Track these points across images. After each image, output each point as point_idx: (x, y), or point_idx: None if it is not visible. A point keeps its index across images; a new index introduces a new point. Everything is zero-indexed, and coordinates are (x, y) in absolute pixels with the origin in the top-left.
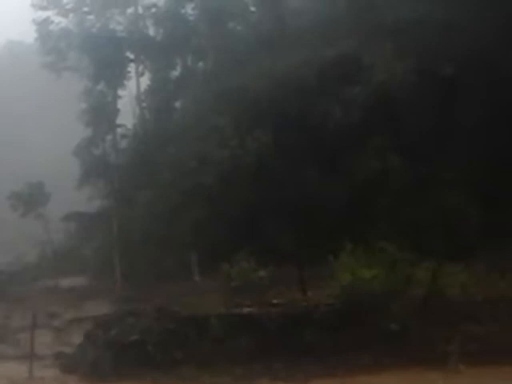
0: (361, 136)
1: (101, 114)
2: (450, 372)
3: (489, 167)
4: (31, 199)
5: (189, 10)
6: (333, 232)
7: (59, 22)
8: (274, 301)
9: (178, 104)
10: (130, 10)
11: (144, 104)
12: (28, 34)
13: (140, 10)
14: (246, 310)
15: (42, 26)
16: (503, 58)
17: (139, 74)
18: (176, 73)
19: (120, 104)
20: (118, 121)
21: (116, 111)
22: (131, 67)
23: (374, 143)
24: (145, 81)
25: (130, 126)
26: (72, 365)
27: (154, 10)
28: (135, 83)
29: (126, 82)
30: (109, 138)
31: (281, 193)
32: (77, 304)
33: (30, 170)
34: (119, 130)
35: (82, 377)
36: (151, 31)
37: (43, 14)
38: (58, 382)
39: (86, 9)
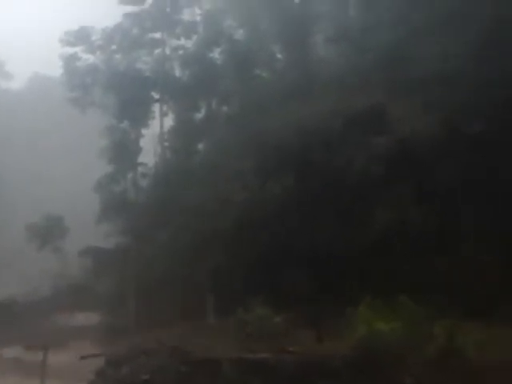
0: (382, 186)
1: (123, 151)
2: None
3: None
4: (49, 232)
5: (216, 54)
6: (351, 281)
7: (86, 58)
8: (289, 348)
9: (200, 146)
10: (157, 51)
11: (166, 144)
12: (54, 68)
13: (167, 51)
14: (259, 355)
15: (69, 61)
16: None
17: (163, 114)
18: (200, 115)
19: (142, 143)
20: (140, 159)
21: (138, 149)
22: (155, 107)
23: (395, 194)
24: (168, 121)
25: (151, 164)
26: None
27: (181, 51)
28: (159, 123)
29: (149, 122)
30: (129, 175)
31: (300, 239)
32: (89, 340)
33: (50, 203)
34: (140, 169)
35: None
36: (177, 72)
37: (70, 50)
38: None
39: (113, 47)
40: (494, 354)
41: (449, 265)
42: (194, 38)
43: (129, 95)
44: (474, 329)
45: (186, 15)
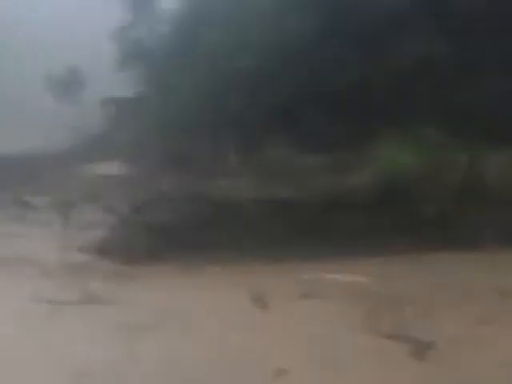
0: (407, 18)
1: None
2: (486, 253)
3: None
4: (66, 83)
5: None
6: (373, 117)
7: None
8: (310, 186)
9: None
10: None
11: None
12: None
13: None
14: (280, 195)
15: None
16: None
17: None
18: None
19: None
20: (159, 4)
21: None
22: None
23: (420, 26)
24: None
25: (171, 9)
26: (106, 248)
27: None
28: None
29: None
30: (148, 21)
31: (321, 77)
32: (110, 189)
33: (66, 52)
34: (160, 14)
35: (116, 259)
36: None
37: None
38: (91, 265)
39: None
40: None
41: (474, 97)
42: None
43: None
44: (496, 158)
45: None
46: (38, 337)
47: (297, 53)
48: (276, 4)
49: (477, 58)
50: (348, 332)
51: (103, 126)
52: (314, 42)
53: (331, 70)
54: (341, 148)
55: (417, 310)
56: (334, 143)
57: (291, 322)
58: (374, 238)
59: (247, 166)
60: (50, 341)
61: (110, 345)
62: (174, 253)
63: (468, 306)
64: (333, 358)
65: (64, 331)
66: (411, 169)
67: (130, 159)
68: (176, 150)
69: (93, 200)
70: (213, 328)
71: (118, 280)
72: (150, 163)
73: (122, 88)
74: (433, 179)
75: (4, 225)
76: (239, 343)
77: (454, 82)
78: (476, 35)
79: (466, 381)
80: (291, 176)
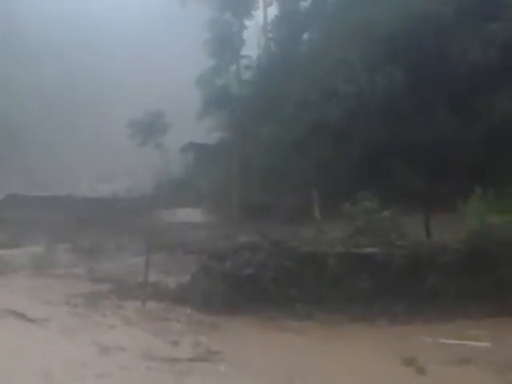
0: (499, 76)
1: (226, 44)
2: None
3: None
4: (150, 128)
5: None
6: (463, 175)
7: None
8: (397, 242)
9: (305, 36)
10: None
11: (270, 35)
12: None
13: None
14: (366, 250)
15: None
16: None
17: (267, 4)
18: (306, 3)
19: (246, 35)
20: (243, 52)
21: (241, 42)
22: None
23: None
24: (272, 11)
25: (254, 57)
26: (184, 296)
27: None
28: (262, 13)
29: (253, 12)
30: (232, 68)
31: (410, 132)
32: (192, 235)
33: (151, 99)
34: (243, 61)
35: (194, 308)
36: None
37: None
38: (169, 313)
39: None
40: None
41: None
42: None
43: None
44: None
45: None
46: None
47: (385, 105)
48: (365, 54)
49: None
50: None
51: (184, 172)
52: (402, 95)
53: (420, 123)
54: (429, 204)
55: None
56: (422, 199)
57: None
58: (459, 301)
59: (331, 220)
60: None
61: None
62: (254, 305)
63: None
64: None
65: None
66: (504, 230)
67: (211, 206)
68: (258, 198)
69: (171, 246)
70: None
71: (205, 331)
72: (230, 211)
73: (205, 134)
74: None
75: None
76: None
77: None
78: None
79: None
80: (376, 231)
